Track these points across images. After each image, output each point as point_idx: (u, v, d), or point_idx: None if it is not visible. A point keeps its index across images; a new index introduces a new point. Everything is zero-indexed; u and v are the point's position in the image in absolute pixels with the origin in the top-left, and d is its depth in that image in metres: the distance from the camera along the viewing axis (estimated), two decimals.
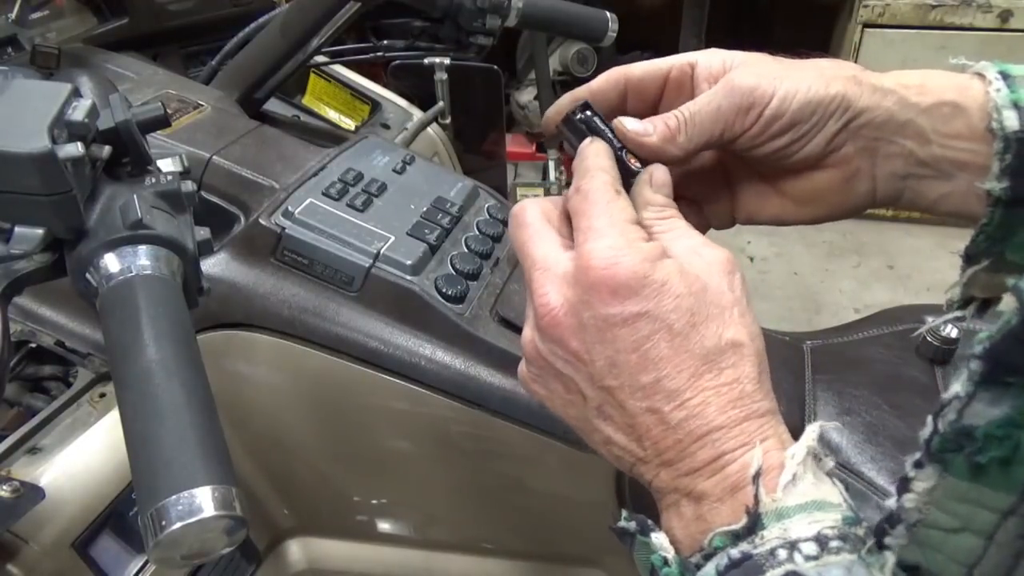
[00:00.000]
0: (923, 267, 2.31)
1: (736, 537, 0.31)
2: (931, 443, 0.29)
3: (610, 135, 0.41)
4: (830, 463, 0.33)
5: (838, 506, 0.31)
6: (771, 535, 0.30)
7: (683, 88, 0.43)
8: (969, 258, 0.41)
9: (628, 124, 0.41)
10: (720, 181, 0.46)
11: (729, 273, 0.36)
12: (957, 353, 0.69)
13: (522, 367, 0.40)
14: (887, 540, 0.31)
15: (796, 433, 0.64)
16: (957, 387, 0.28)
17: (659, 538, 0.35)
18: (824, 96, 0.39)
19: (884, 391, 0.67)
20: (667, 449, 0.34)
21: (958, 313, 0.43)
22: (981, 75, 0.39)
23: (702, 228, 0.46)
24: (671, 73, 0.43)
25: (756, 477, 0.31)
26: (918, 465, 0.30)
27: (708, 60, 0.43)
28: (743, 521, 0.31)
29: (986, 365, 0.27)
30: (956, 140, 0.39)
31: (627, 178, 0.40)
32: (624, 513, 0.36)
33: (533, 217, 0.39)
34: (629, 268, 0.34)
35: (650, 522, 0.36)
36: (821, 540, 0.30)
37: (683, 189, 0.45)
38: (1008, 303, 0.26)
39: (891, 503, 0.31)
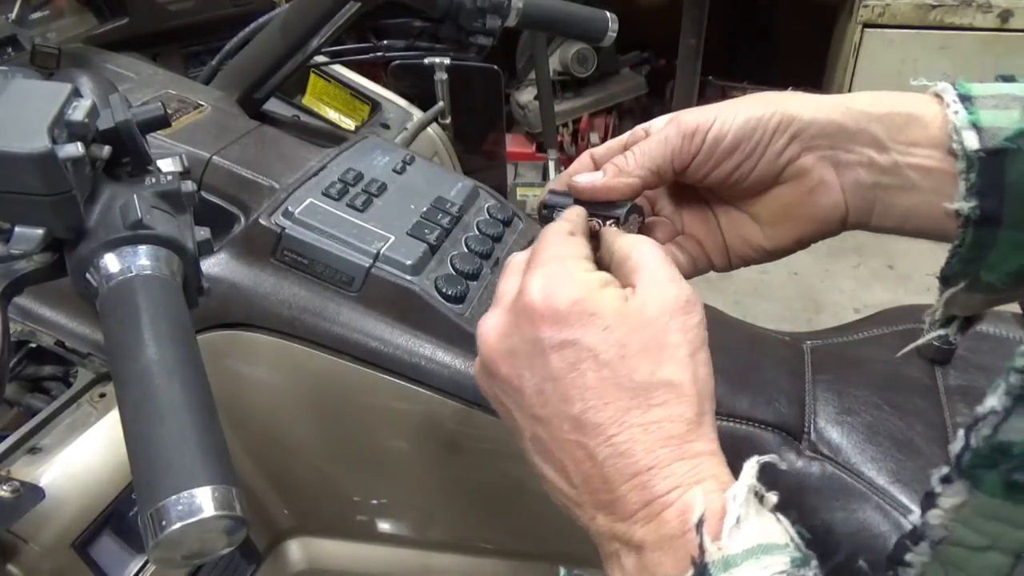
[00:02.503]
0: (923, 267, 2.31)
1: None
2: (962, 458, 0.28)
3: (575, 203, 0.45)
4: (773, 499, 0.32)
5: (785, 547, 0.30)
6: None
7: None
8: (946, 279, 0.41)
9: (578, 179, 0.44)
10: (711, 218, 0.48)
11: (683, 313, 0.36)
12: (957, 353, 0.69)
13: None
14: (908, 557, 0.30)
15: (795, 433, 0.64)
16: (993, 401, 0.26)
17: None
18: (763, 115, 0.41)
19: (884, 391, 0.67)
20: (598, 490, 0.33)
21: (941, 332, 0.44)
22: (939, 96, 0.39)
23: (706, 266, 0.48)
24: (627, 141, 0.46)
25: (699, 525, 0.30)
26: (946, 480, 0.28)
27: (658, 121, 0.45)
28: (689, 573, 0.30)
29: None
30: (915, 147, 0.39)
31: (618, 217, 0.44)
32: (563, 570, 0.36)
33: (514, 262, 0.40)
34: (561, 296, 0.34)
35: None
36: None
37: (683, 226, 0.48)
38: None
39: (915, 519, 0.30)
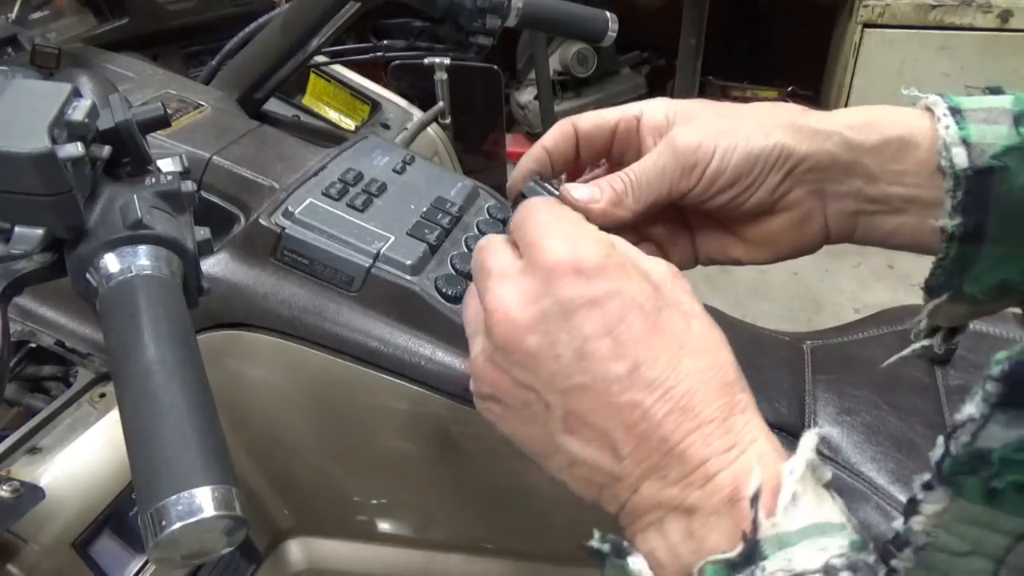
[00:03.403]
0: (923, 267, 2.30)
1: (732, 567, 0.28)
2: (942, 465, 0.28)
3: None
4: (828, 474, 0.31)
5: (843, 528, 0.29)
6: (773, 567, 0.27)
7: (630, 139, 0.45)
8: (930, 291, 0.42)
9: (575, 192, 0.42)
10: (680, 225, 0.48)
11: (675, 276, 0.36)
12: (957, 353, 0.69)
13: (473, 389, 0.37)
14: (893, 563, 0.29)
15: (795, 433, 0.64)
16: (971, 409, 0.26)
17: (637, 563, 0.31)
18: (763, 148, 0.40)
19: (884, 391, 0.67)
20: (651, 452, 0.31)
21: (925, 342, 0.45)
22: (931, 110, 0.40)
23: None
24: (619, 125, 0.45)
25: (755, 498, 0.29)
26: (927, 487, 0.28)
27: (652, 112, 0.44)
28: (739, 548, 0.28)
29: (1004, 387, 0.25)
30: (905, 176, 0.40)
31: None
32: (597, 533, 0.33)
33: (491, 242, 0.39)
34: (591, 250, 0.33)
35: (626, 544, 0.32)
36: (830, 572, 0.27)
37: (645, 232, 0.47)
38: None
39: (898, 525, 0.30)
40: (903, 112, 0.41)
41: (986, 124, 0.38)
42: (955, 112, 0.39)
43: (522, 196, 0.45)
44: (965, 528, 0.28)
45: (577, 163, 0.48)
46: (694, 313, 0.34)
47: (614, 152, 0.47)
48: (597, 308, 0.31)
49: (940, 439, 0.28)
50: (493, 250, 0.37)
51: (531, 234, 0.35)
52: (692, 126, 0.42)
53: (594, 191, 0.42)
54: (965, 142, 0.38)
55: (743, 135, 0.41)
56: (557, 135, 0.46)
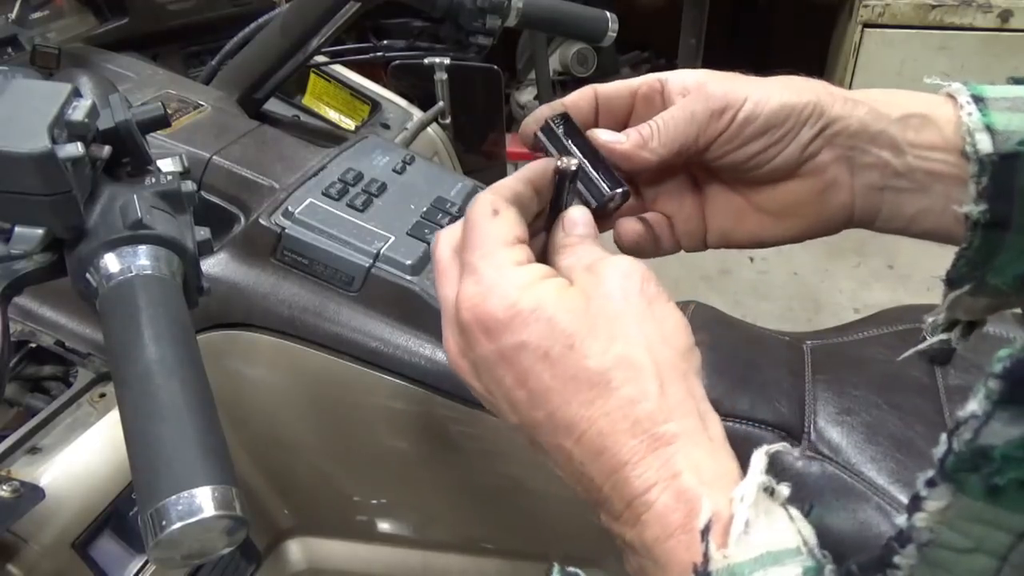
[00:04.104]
0: (923, 267, 2.31)
1: None
2: (945, 462, 0.27)
3: (584, 147, 0.42)
4: (785, 491, 0.30)
5: (797, 553, 0.28)
6: None
7: (653, 104, 0.44)
8: (951, 282, 0.40)
9: (601, 134, 0.42)
10: (691, 198, 0.45)
11: (624, 277, 0.33)
12: (957, 353, 0.69)
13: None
14: (896, 559, 0.29)
15: (795, 433, 0.63)
16: (974, 405, 0.26)
17: None
18: (797, 102, 0.39)
19: (884, 391, 0.66)
20: (589, 489, 0.32)
21: (943, 336, 0.43)
22: (952, 97, 0.39)
23: (672, 248, 0.46)
24: (640, 90, 0.44)
25: (706, 530, 0.28)
26: (931, 484, 0.28)
27: (680, 76, 0.43)
28: None
29: (1005, 384, 0.25)
30: (930, 151, 0.39)
31: (597, 198, 0.41)
32: (556, 567, 0.33)
33: (441, 252, 0.38)
34: (496, 302, 0.33)
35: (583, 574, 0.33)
36: None
37: (653, 202, 0.45)
38: None
39: (901, 521, 0.29)
40: (924, 96, 0.40)
41: (1010, 112, 0.37)
42: (978, 100, 0.38)
43: (549, 130, 0.42)
44: (968, 525, 0.28)
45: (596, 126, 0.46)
46: (617, 336, 0.32)
47: (634, 119, 0.45)
48: (507, 363, 0.33)
49: (943, 436, 0.28)
50: (443, 277, 0.38)
51: (462, 272, 0.36)
52: (723, 78, 0.41)
53: (619, 135, 0.42)
54: (989, 128, 0.37)
55: (776, 88, 0.40)
56: (577, 96, 0.44)
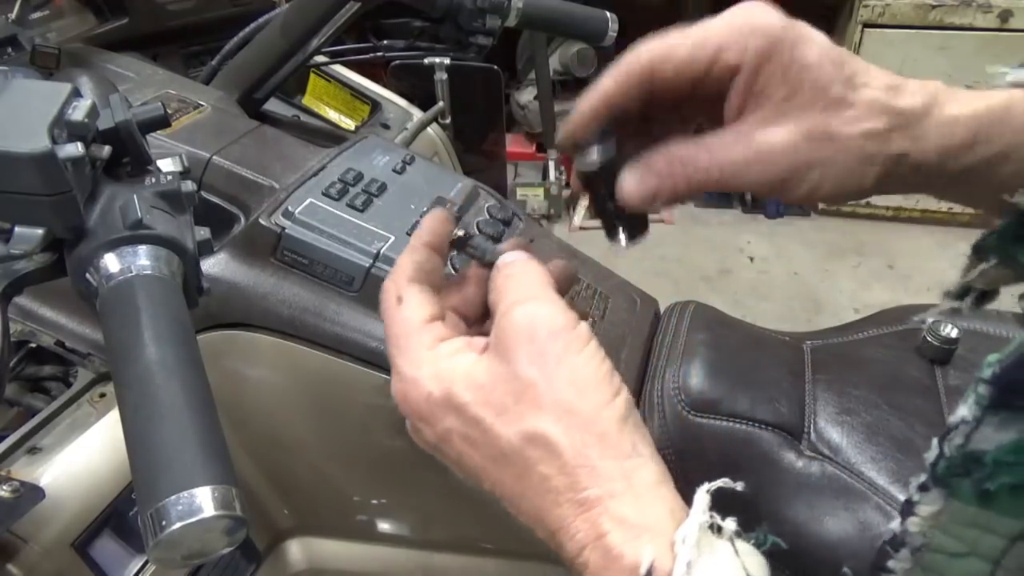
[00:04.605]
0: (923, 267, 2.31)
1: None
2: (937, 467, 0.28)
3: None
4: (731, 526, 0.29)
5: None
6: None
7: (721, 86, 0.35)
8: (978, 251, 0.36)
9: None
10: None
11: (529, 341, 0.32)
12: (957, 353, 0.69)
13: None
14: (890, 564, 0.29)
15: (795, 433, 0.63)
16: (964, 411, 0.26)
17: None
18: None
19: (884, 391, 0.67)
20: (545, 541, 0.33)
21: (955, 304, 0.39)
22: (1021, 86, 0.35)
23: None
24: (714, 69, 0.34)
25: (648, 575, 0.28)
26: (923, 488, 0.28)
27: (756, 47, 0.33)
28: None
29: (995, 390, 0.25)
30: (995, 148, 0.34)
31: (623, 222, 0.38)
32: None
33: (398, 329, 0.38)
34: (416, 395, 0.34)
35: None
36: None
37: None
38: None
39: (895, 526, 0.29)
40: (987, 93, 0.36)
41: None
42: None
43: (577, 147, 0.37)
44: (961, 529, 0.28)
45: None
46: (525, 413, 0.32)
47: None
48: (446, 444, 0.35)
49: (934, 441, 0.28)
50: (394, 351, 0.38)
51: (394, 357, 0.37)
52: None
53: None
54: None
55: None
56: (624, 82, 0.36)
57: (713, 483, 0.31)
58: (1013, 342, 0.25)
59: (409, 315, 0.37)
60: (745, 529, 0.30)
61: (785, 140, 0.33)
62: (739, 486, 0.31)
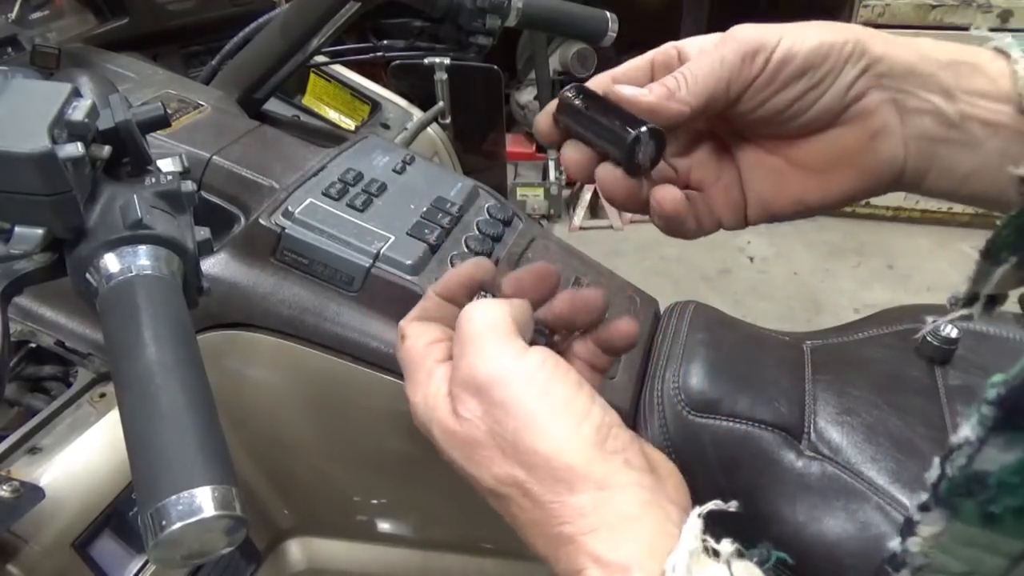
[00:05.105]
0: (923, 267, 2.31)
1: None
2: (939, 487, 0.27)
3: (607, 110, 0.38)
4: (727, 548, 0.29)
5: None
6: None
7: (672, 69, 0.39)
8: (989, 253, 0.36)
9: (623, 89, 0.38)
10: (726, 167, 0.42)
11: (476, 394, 0.34)
12: (957, 353, 0.69)
13: None
14: None
15: (795, 433, 0.63)
16: (967, 431, 0.26)
17: None
18: (836, 40, 0.36)
19: (884, 391, 0.66)
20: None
21: (964, 311, 0.39)
22: (1002, 52, 0.36)
23: (712, 224, 0.42)
24: (656, 59, 0.40)
25: None
26: (924, 508, 0.28)
27: (696, 40, 0.39)
28: None
29: (1000, 411, 0.25)
30: (982, 99, 0.36)
31: (623, 147, 0.37)
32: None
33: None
34: (420, 422, 0.38)
35: None
36: None
37: (685, 177, 0.42)
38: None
39: (895, 545, 0.29)
40: (971, 48, 0.37)
41: None
42: None
43: (567, 105, 0.39)
44: (963, 549, 0.27)
45: None
46: (504, 455, 0.33)
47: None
48: (453, 466, 0.37)
49: (935, 460, 0.27)
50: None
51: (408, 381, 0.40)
52: (751, 25, 0.37)
53: (642, 89, 0.37)
54: None
55: (811, 28, 0.36)
56: (593, 85, 0.41)
57: (704, 507, 0.31)
58: (1019, 362, 0.25)
59: (409, 345, 0.39)
60: (748, 541, 0.30)
61: None
62: (732, 506, 0.31)
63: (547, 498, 0.31)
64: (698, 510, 0.30)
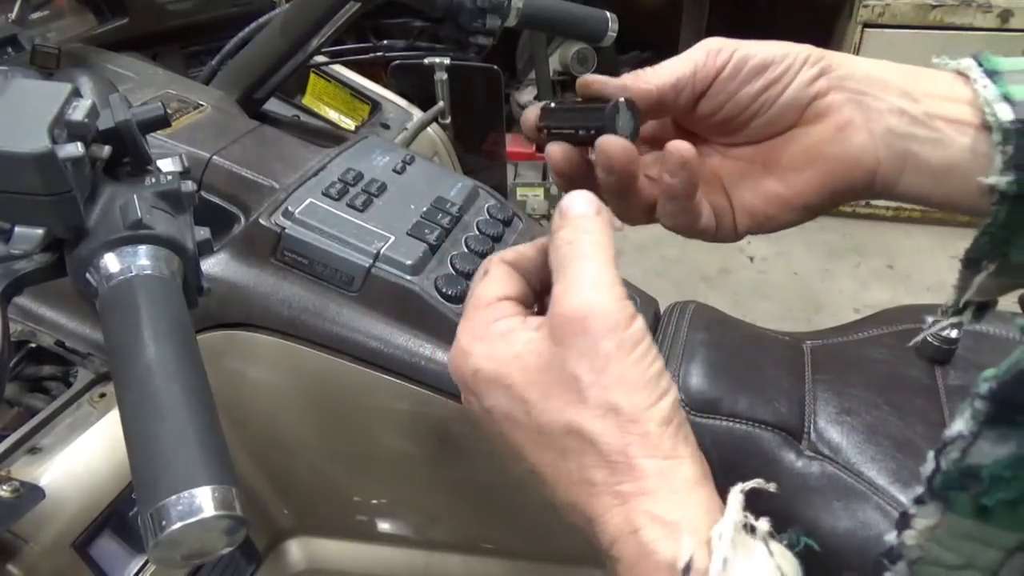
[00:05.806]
0: (923, 267, 2.31)
1: None
2: (933, 481, 0.28)
3: (583, 105, 0.42)
4: (764, 526, 0.30)
5: None
6: None
7: None
8: (970, 262, 0.38)
9: (594, 76, 0.42)
10: (715, 187, 0.43)
11: (580, 335, 0.32)
12: (957, 353, 0.69)
13: None
14: None
15: (795, 433, 0.63)
16: (961, 425, 0.26)
17: None
18: (794, 47, 0.39)
19: (884, 391, 0.67)
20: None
21: (956, 319, 0.41)
22: (963, 75, 0.37)
23: (708, 224, 0.42)
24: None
25: (687, 570, 0.28)
26: (919, 502, 0.28)
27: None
28: None
29: (992, 405, 0.25)
30: (945, 102, 0.37)
31: (601, 121, 0.39)
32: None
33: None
34: (465, 367, 0.36)
35: None
36: None
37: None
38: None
39: (891, 538, 0.29)
40: (933, 72, 0.39)
41: None
42: (991, 74, 0.36)
43: (549, 110, 0.42)
44: (958, 542, 0.28)
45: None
46: (569, 403, 0.32)
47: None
48: (489, 419, 0.36)
49: (930, 454, 0.28)
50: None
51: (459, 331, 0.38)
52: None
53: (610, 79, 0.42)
54: (1007, 99, 0.35)
55: (772, 42, 0.40)
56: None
57: (747, 483, 0.31)
58: (1010, 357, 0.25)
59: (483, 290, 0.38)
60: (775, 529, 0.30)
61: None
62: (772, 487, 0.31)
63: (616, 457, 0.31)
64: (740, 486, 0.30)
